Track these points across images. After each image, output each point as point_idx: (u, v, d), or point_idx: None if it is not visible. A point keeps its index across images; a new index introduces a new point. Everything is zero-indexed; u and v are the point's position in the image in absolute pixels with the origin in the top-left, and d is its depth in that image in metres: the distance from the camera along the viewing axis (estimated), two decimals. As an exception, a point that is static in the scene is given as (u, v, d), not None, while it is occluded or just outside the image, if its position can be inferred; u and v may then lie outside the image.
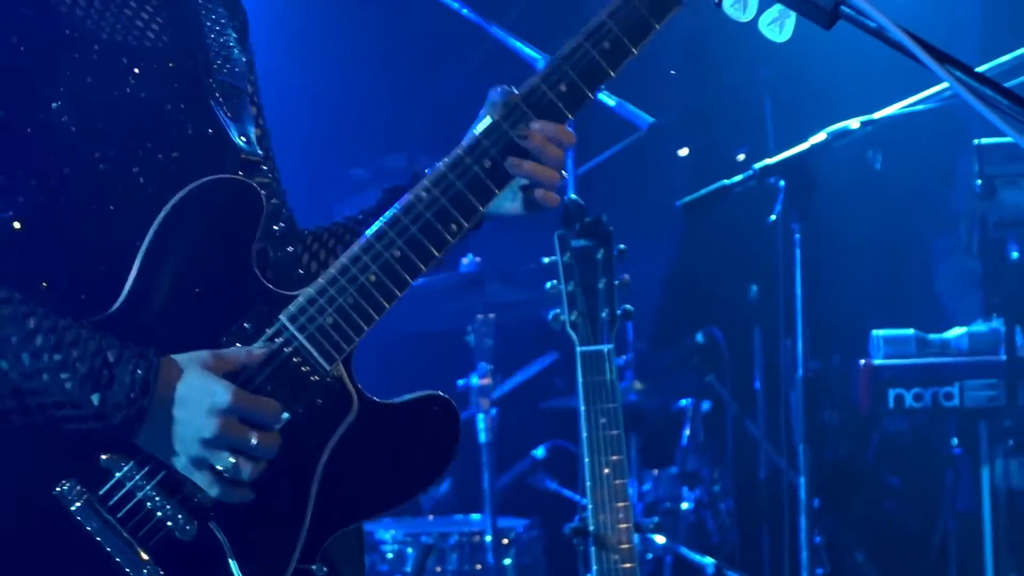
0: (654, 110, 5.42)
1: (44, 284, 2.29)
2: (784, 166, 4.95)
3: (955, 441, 6.02)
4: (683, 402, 6.59)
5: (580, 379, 3.90)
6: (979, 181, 5.48)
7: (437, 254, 2.36)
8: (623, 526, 3.83)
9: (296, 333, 2.31)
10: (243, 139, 2.48)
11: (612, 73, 2.39)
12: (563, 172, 2.46)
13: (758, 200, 5.45)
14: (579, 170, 5.94)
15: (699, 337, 6.71)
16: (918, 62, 1.93)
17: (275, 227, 2.54)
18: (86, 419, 2.22)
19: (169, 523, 2.27)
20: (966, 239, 5.72)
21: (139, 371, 2.22)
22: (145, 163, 2.34)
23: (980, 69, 1.99)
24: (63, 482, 2.24)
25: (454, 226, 2.36)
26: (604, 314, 3.94)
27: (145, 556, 2.25)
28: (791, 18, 2.09)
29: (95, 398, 2.21)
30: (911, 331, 5.68)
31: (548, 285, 3.98)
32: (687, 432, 6.48)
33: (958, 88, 1.95)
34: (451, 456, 2.42)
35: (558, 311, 3.96)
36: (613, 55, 2.38)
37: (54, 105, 2.29)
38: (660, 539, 5.90)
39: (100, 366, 2.21)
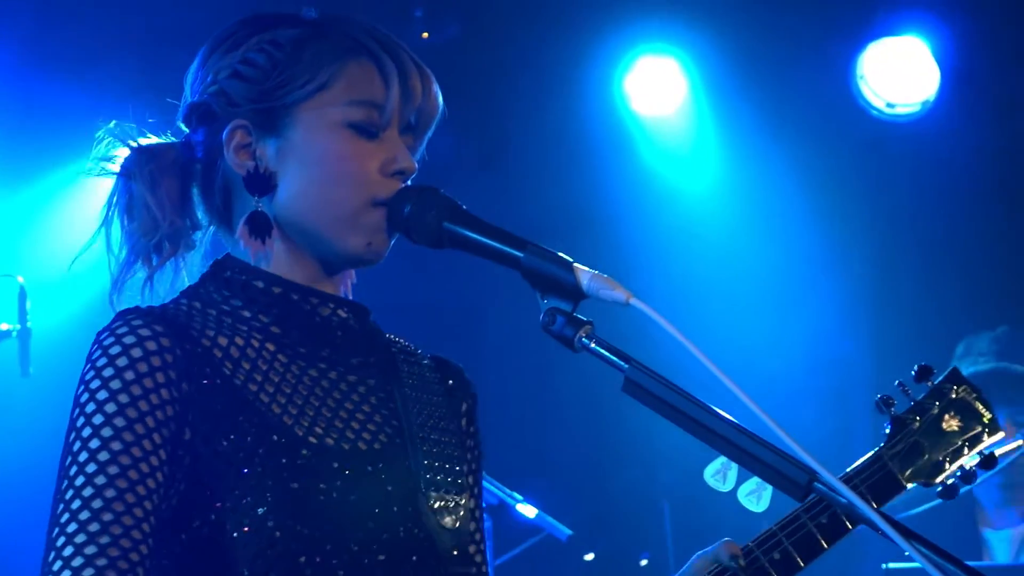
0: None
1: None
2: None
3: None
4: None
5: None
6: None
7: None
8: None
9: None
10: (454, 543, 2.44)
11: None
12: None
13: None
14: (496, 560, 6.00)
15: None
16: (886, 537, 2.12)
17: None
18: None
19: None
20: None
21: None
22: (352, 567, 2.28)
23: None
24: None
25: None
26: None
27: None
28: (768, 490, 2.31)
29: None
30: None
31: None
32: None
33: (923, 562, 2.14)
34: None
35: None
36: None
37: (260, 511, 2.23)
38: None
39: None
